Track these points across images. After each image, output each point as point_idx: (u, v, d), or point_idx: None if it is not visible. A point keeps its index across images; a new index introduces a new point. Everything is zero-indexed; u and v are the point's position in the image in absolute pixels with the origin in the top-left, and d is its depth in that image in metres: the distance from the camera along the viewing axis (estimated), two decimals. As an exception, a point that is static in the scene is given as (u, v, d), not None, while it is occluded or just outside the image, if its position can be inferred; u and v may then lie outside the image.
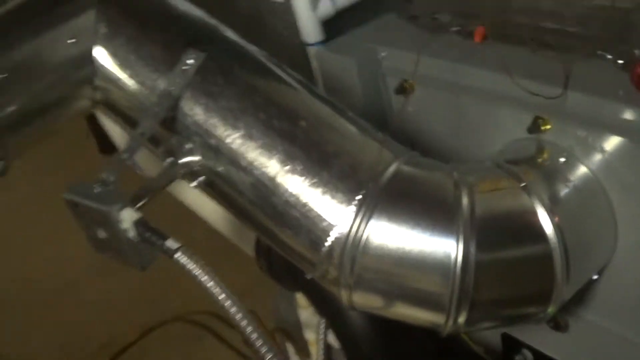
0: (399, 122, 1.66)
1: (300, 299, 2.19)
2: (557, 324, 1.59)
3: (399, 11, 1.78)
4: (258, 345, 1.31)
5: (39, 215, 3.51)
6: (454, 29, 1.61)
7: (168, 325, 3.68)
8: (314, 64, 1.79)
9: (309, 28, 1.79)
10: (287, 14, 1.81)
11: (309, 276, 1.36)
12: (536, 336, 1.69)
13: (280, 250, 1.38)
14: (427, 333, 1.57)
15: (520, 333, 1.72)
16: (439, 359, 1.79)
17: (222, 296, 1.26)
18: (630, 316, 1.47)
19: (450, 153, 1.59)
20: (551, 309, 1.33)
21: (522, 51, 1.47)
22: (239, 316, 1.27)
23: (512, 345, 1.75)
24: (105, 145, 2.02)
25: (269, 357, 1.32)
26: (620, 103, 1.31)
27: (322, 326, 1.95)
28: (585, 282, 1.42)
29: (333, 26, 1.83)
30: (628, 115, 1.30)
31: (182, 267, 1.25)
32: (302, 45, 1.83)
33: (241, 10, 1.95)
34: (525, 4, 1.52)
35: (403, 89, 1.60)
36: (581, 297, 1.50)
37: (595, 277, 1.44)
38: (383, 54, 1.66)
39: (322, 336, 1.98)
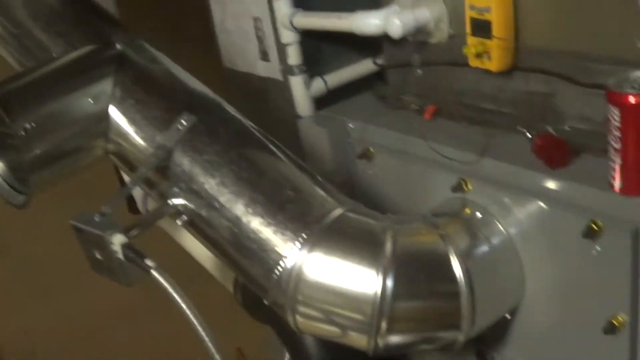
0: (363, 183, 1.95)
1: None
2: (484, 361, 1.85)
3: (374, 91, 2.08)
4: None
5: (64, 265, 3.65)
6: (414, 107, 1.90)
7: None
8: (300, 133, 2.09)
9: (302, 103, 2.10)
10: (287, 91, 2.12)
11: (266, 302, 1.63)
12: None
13: (243, 278, 1.67)
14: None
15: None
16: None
17: (188, 311, 1.55)
18: (539, 353, 1.73)
19: (399, 209, 1.86)
20: (461, 338, 1.60)
21: (459, 126, 1.77)
22: (200, 329, 1.55)
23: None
24: (134, 205, 2.26)
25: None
26: (522, 168, 1.61)
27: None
28: (494, 320, 1.68)
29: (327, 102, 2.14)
30: (528, 179, 1.59)
31: (157, 284, 1.55)
32: (298, 118, 2.13)
33: (255, 85, 2.25)
34: (470, 88, 1.83)
35: (365, 155, 1.91)
36: (501, 335, 1.77)
37: (508, 317, 1.70)
38: (351, 126, 1.97)
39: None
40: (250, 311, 2.06)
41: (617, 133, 1.39)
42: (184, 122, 1.62)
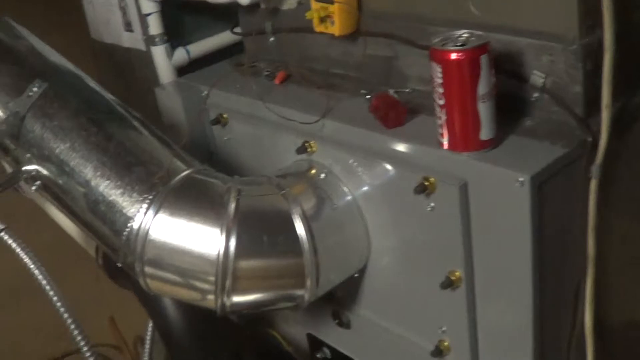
0: (220, 149, 1.99)
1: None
2: (341, 322, 1.90)
3: (231, 59, 2.13)
4: (71, 329, 1.65)
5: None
6: (265, 73, 1.95)
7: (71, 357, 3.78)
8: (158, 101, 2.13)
9: (164, 73, 2.14)
10: (150, 61, 2.16)
11: (118, 264, 1.66)
12: (332, 335, 2.00)
13: (97, 241, 1.69)
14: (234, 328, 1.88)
15: (321, 333, 2.04)
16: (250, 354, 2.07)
17: (36, 272, 1.59)
18: (387, 309, 1.79)
19: (254, 173, 1.90)
20: (306, 297, 1.64)
21: (307, 91, 1.83)
22: (51, 293, 1.60)
23: (314, 344, 2.07)
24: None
25: (82, 343, 1.65)
26: (360, 128, 1.67)
27: (149, 328, 2.23)
28: (341, 279, 1.74)
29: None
30: (367, 139, 1.64)
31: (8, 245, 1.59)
32: (158, 87, 2.17)
33: (121, 57, 2.28)
34: (319, 53, 1.88)
35: (219, 121, 1.95)
36: (352, 294, 1.82)
37: (356, 275, 1.76)
38: (204, 93, 2.00)
39: (149, 336, 2.27)
40: (111, 275, 2.09)
41: (440, 90, 1.43)
42: (35, 89, 1.64)
